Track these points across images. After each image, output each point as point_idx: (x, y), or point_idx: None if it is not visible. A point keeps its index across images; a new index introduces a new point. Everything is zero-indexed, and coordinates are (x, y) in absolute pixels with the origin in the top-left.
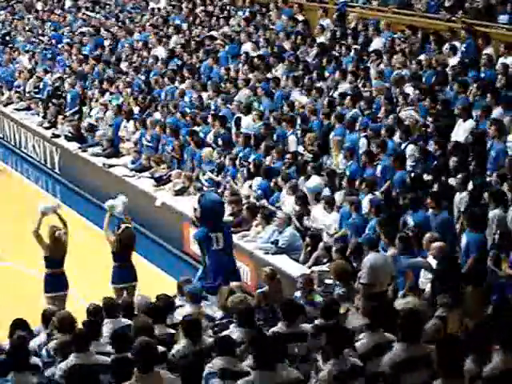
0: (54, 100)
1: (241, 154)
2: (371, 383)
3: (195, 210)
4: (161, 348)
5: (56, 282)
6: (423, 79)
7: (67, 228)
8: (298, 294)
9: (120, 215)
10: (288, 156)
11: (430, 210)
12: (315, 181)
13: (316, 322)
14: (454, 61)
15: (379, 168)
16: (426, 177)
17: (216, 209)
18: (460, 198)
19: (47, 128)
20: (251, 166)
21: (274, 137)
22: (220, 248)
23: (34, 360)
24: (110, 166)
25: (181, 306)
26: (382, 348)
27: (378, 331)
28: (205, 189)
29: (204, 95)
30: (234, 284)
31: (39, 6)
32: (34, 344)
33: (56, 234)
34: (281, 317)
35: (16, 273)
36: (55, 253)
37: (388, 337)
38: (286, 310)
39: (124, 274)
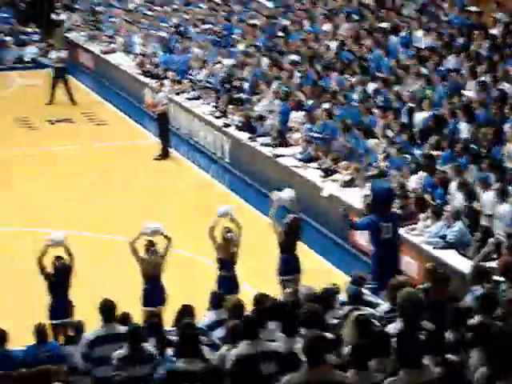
0: (226, 85)
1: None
2: None
3: (366, 196)
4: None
5: (227, 286)
6: None
7: (240, 230)
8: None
9: (288, 206)
10: (459, 145)
11: None
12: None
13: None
14: None
15: None
16: None
17: (386, 197)
18: None
19: (218, 117)
20: (420, 158)
21: (446, 130)
22: (389, 237)
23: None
24: (279, 156)
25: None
26: None
27: None
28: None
29: (370, 85)
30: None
31: None
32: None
33: (227, 235)
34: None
35: (187, 260)
36: (224, 254)
37: None
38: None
39: (289, 266)
